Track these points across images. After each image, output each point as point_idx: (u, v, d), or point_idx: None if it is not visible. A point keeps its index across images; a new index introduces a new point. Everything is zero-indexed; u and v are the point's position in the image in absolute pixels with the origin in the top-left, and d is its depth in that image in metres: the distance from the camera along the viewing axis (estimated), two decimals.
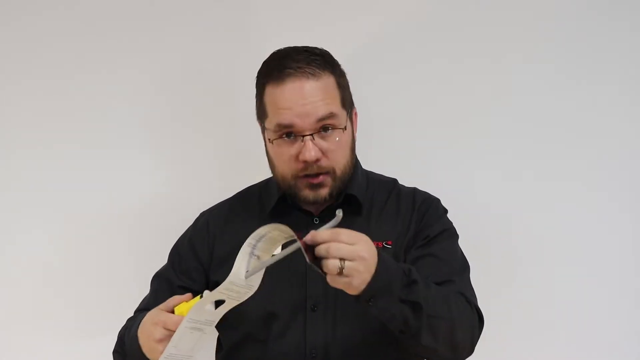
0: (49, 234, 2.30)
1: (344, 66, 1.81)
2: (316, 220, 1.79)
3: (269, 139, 1.76)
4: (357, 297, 1.53)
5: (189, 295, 1.61)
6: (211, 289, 1.76)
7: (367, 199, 1.82)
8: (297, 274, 1.73)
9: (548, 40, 2.23)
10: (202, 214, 1.92)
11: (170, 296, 1.66)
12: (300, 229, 1.73)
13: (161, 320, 1.56)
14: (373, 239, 1.59)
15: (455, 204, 1.90)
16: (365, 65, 2.24)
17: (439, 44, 2.25)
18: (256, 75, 1.79)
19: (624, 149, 2.22)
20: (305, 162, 1.71)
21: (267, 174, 1.84)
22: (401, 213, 1.82)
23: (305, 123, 1.70)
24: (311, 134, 1.71)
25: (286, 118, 1.71)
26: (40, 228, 2.30)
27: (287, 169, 1.74)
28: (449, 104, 2.24)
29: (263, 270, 1.54)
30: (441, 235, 1.80)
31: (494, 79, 2.24)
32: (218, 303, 1.55)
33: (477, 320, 1.71)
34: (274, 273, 1.58)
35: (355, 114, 1.84)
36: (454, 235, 1.84)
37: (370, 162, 1.92)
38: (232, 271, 1.50)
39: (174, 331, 1.51)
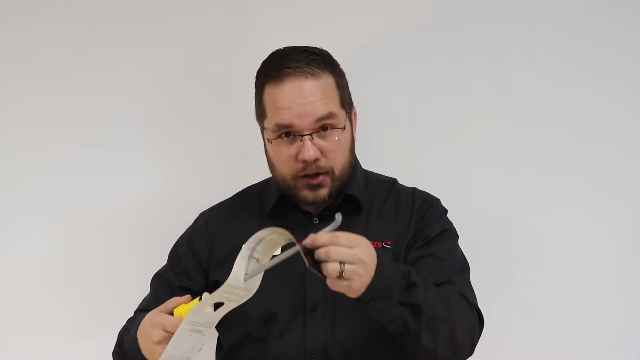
0: (49, 234, 2.30)
1: (344, 66, 1.81)
2: (315, 221, 1.79)
3: (268, 139, 1.76)
4: (356, 300, 1.53)
5: (188, 297, 1.61)
6: (211, 289, 1.77)
7: (367, 199, 1.82)
8: (297, 274, 1.73)
9: (548, 40, 2.23)
10: (202, 214, 1.92)
11: (170, 297, 1.66)
12: (300, 229, 1.75)
13: (160, 322, 1.56)
14: (372, 239, 1.59)
15: (455, 204, 1.90)
16: (365, 65, 2.24)
17: (439, 44, 2.25)
18: (255, 75, 1.79)
19: (624, 149, 2.22)
20: (304, 161, 1.71)
21: (267, 174, 1.84)
22: (400, 213, 1.82)
23: (304, 123, 1.70)
24: (310, 134, 1.71)
25: (285, 118, 1.71)
26: (40, 228, 2.30)
27: (286, 169, 1.74)
28: (449, 104, 2.24)
29: (262, 273, 1.54)
30: (441, 236, 1.80)
31: (494, 79, 2.24)
32: (217, 305, 1.55)
33: (477, 321, 1.71)
34: (273, 273, 1.58)
35: (355, 114, 1.84)
36: (454, 236, 1.84)
37: (370, 162, 1.92)
38: (231, 274, 1.50)
39: (173, 333, 1.51)
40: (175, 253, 1.88)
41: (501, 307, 2.12)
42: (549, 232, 2.21)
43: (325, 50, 1.79)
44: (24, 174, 2.31)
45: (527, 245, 2.22)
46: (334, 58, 1.79)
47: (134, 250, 2.27)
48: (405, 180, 1.91)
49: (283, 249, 1.51)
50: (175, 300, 1.60)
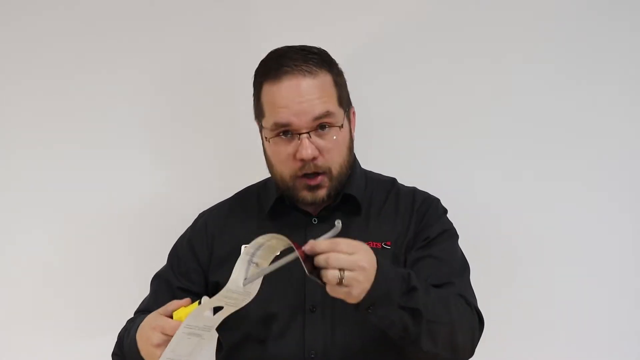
0: (49, 234, 2.30)
1: (344, 66, 1.81)
2: (315, 221, 1.79)
3: (266, 138, 1.76)
4: (356, 306, 1.53)
5: (187, 300, 1.61)
6: (210, 290, 1.77)
7: (366, 199, 1.82)
8: (297, 274, 1.72)
9: (548, 40, 2.23)
10: (201, 215, 1.92)
11: (170, 297, 1.66)
12: (299, 229, 1.75)
13: (159, 325, 1.56)
14: (372, 239, 1.59)
15: (455, 204, 1.90)
16: (365, 65, 2.24)
17: (439, 44, 2.25)
18: (253, 74, 1.79)
19: (624, 149, 2.22)
20: (302, 160, 1.71)
21: (266, 174, 1.84)
22: (400, 213, 1.81)
23: (301, 121, 1.70)
24: (308, 132, 1.71)
25: (283, 116, 1.71)
26: (40, 228, 2.30)
27: (284, 168, 1.74)
28: (449, 104, 2.24)
29: (261, 278, 1.54)
30: (441, 236, 1.79)
31: (494, 79, 2.24)
32: (216, 309, 1.54)
33: (477, 322, 1.71)
34: (273, 274, 1.57)
35: (354, 113, 1.83)
36: (454, 236, 1.84)
37: (370, 162, 1.92)
38: (230, 278, 1.50)
39: (172, 336, 1.51)
40: (175, 253, 1.88)
41: (501, 307, 2.12)
42: (549, 232, 2.21)
43: (323, 49, 1.79)
44: (24, 174, 2.31)
45: (527, 245, 2.22)
46: (332, 57, 1.79)
47: (134, 250, 2.27)
48: (405, 180, 1.91)
49: (282, 254, 1.51)
50: (174, 303, 1.60)
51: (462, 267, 1.79)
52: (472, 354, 1.70)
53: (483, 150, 2.24)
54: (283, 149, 1.73)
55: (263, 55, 1.80)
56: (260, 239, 1.49)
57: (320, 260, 1.47)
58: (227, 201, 1.93)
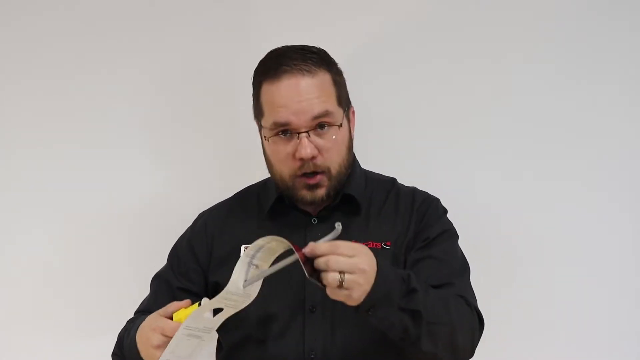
0: (49, 234, 2.30)
1: (344, 66, 1.81)
2: (314, 221, 1.79)
3: (265, 137, 1.76)
4: (356, 308, 1.53)
5: (187, 301, 1.61)
6: (210, 289, 1.77)
7: (366, 199, 1.82)
8: (296, 275, 1.72)
9: (548, 40, 2.23)
10: (201, 215, 1.92)
11: (170, 297, 1.66)
12: (299, 229, 1.75)
13: (159, 326, 1.56)
14: (371, 239, 1.58)
15: (455, 204, 1.90)
16: (365, 65, 2.24)
17: (439, 44, 2.25)
18: (253, 74, 1.79)
19: (624, 149, 2.22)
20: (301, 159, 1.71)
21: (266, 174, 1.84)
22: (400, 213, 1.81)
23: (300, 120, 1.70)
24: (307, 131, 1.71)
25: (282, 116, 1.71)
26: (40, 228, 2.30)
27: (284, 167, 1.74)
28: (449, 104, 2.24)
29: (261, 280, 1.54)
30: (441, 237, 1.79)
31: (494, 79, 2.24)
32: (216, 310, 1.54)
33: (477, 323, 1.70)
34: (273, 275, 1.58)
35: (353, 112, 1.83)
36: (454, 236, 1.84)
37: (370, 162, 1.92)
38: (230, 280, 1.50)
39: (172, 337, 1.51)
40: (175, 254, 1.88)
41: (501, 307, 2.12)
42: (549, 232, 2.21)
43: (322, 49, 1.79)
44: (24, 174, 2.31)
45: (527, 245, 2.22)
46: (331, 56, 1.79)
47: (134, 250, 2.27)
48: (405, 180, 1.91)
49: (282, 256, 1.51)
50: (174, 304, 1.60)
51: (462, 267, 1.79)
52: (472, 354, 1.71)
53: (483, 150, 2.24)
54: (282, 148, 1.73)
55: (263, 55, 1.80)
56: (260, 241, 1.49)
57: (320, 262, 1.47)
58: (227, 201, 1.93)
